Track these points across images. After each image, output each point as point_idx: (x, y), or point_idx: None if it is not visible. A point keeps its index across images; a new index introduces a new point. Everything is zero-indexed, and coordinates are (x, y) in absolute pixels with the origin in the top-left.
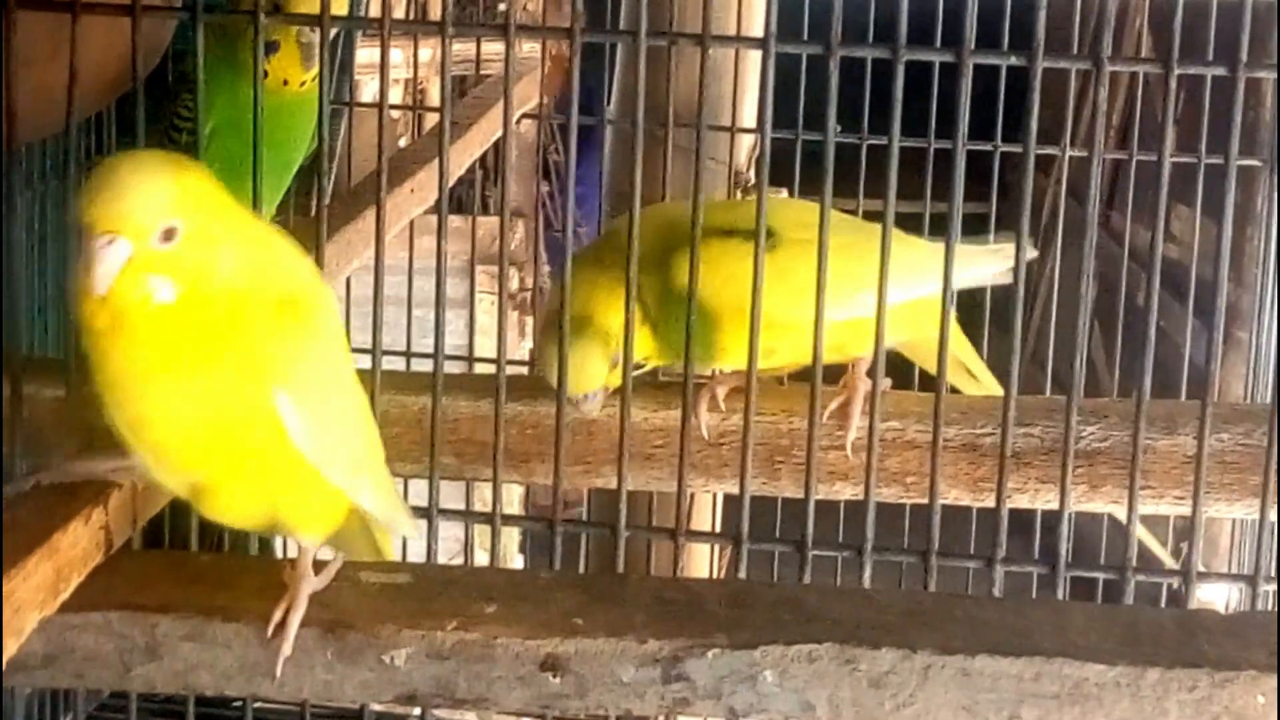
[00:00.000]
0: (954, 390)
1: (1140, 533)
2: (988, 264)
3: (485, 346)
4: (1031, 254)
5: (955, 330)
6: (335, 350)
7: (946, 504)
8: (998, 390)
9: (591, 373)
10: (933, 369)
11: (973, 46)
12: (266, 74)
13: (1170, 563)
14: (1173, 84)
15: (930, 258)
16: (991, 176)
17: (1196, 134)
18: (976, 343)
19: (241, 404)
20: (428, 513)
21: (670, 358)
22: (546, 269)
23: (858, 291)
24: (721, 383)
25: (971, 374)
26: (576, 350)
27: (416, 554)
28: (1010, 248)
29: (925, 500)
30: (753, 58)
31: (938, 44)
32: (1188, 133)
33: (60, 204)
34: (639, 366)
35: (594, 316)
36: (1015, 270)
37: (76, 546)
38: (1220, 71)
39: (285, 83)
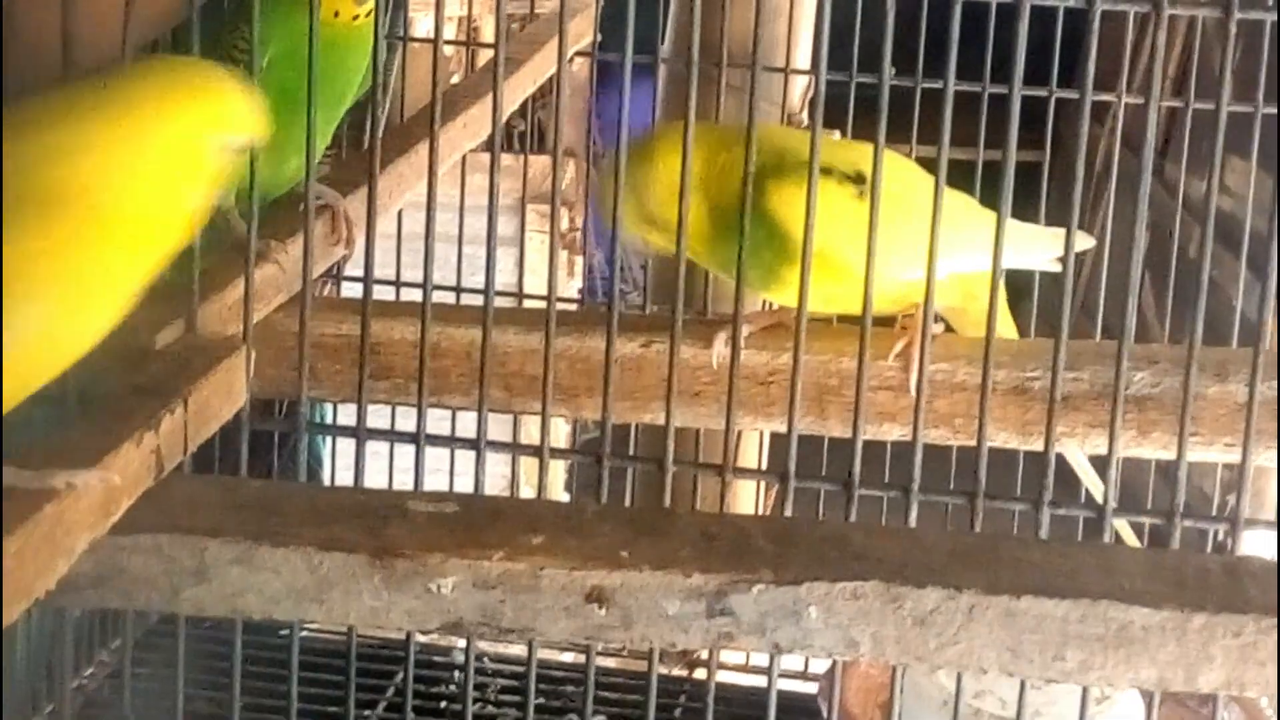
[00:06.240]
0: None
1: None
2: (1045, 247)
3: (534, 285)
4: (1087, 243)
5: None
6: None
7: (994, 447)
8: None
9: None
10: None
11: None
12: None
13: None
14: (1232, 28)
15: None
16: (1045, 123)
17: (1253, 84)
18: (1026, 296)
19: None
20: (476, 444)
21: (716, 269)
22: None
23: (939, 257)
24: (751, 321)
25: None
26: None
27: (464, 487)
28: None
29: (973, 442)
30: None
31: None
32: (1244, 83)
33: None
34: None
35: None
36: (1068, 217)
37: (128, 469)
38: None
39: (336, 14)
